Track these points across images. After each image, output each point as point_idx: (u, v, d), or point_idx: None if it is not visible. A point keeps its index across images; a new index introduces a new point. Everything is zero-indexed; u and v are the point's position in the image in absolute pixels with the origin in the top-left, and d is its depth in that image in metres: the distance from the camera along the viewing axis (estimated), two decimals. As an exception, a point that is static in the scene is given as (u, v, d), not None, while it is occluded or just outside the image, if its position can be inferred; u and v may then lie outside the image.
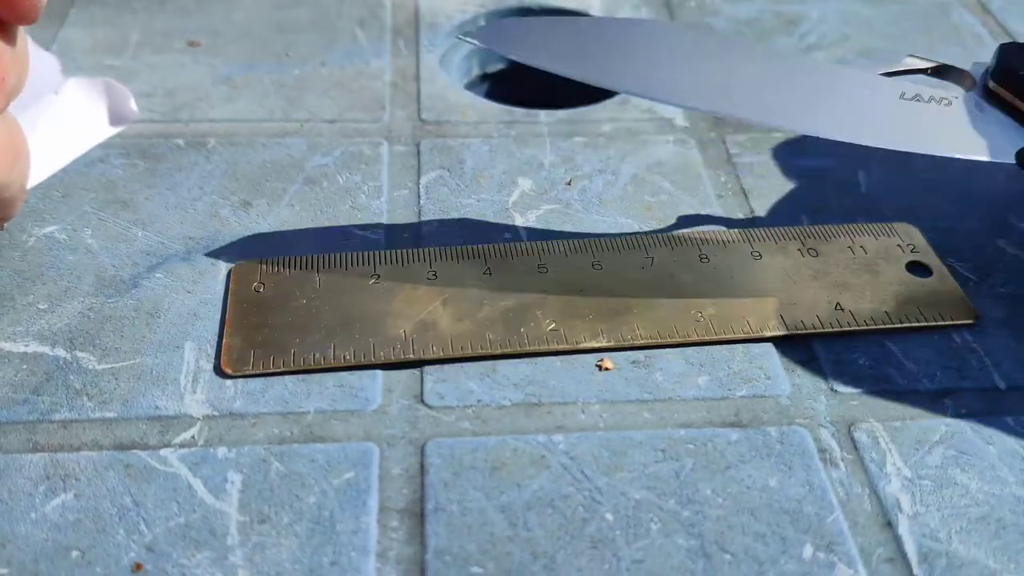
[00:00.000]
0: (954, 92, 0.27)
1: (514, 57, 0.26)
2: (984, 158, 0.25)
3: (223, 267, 0.27)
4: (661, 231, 0.29)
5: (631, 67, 0.26)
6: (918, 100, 0.26)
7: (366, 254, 0.27)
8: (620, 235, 0.29)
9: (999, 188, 0.31)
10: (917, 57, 0.28)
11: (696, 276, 0.27)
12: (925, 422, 0.24)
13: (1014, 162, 0.25)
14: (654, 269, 0.27)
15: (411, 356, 0.25)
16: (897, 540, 0.21)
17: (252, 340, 0.25)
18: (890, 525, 0.22)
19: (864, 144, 0.26)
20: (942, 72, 0.28)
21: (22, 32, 0.24)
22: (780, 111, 0.26)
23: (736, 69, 0.26)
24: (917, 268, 0.28)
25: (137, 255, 0.28)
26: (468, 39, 0.26)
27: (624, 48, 0.26)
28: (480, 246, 0.28)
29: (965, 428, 0.24)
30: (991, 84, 0.27)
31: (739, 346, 0.25)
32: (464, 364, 0.25)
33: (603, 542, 0.21)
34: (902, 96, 0.26)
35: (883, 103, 0.26)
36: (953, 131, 0.26)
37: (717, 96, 0.26)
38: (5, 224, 0.28)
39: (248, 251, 0.28)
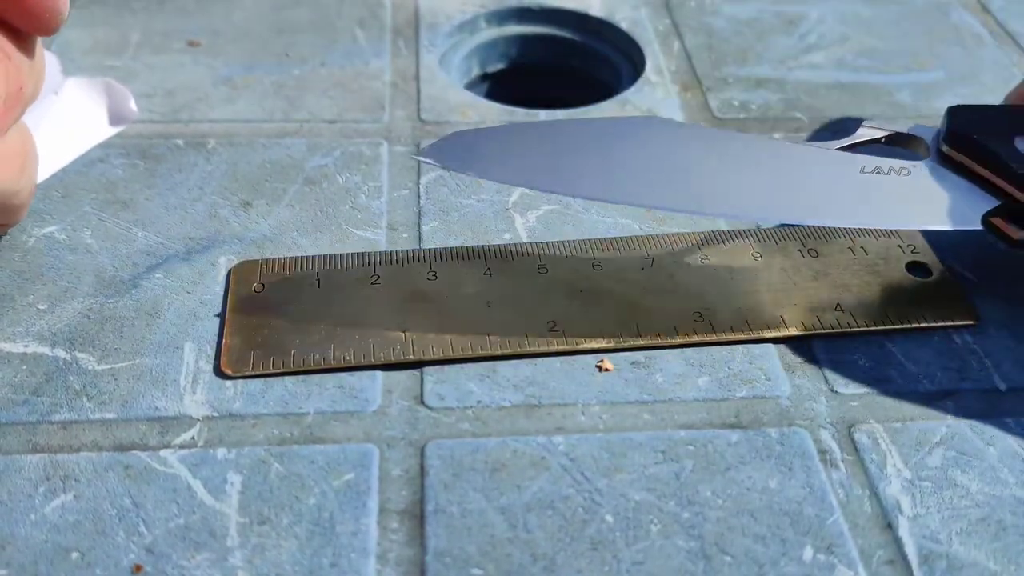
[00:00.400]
0: (912, 160, 0.27)
1: (472, 174, 0.26)
2: (951, 227, 0.25)
3: (223, 267, 0.27)
4: (661, 231, 0.29)
5: (587, 172, 0.25)
6: (878, 173, 0.26)
7: (366, 255, 0.27)
8: (620, 235, 0.29)
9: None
10: (870, 127, 0.28)
11: (696, 276, 0.27)
12: (925, 423, 0.24)
13: (980, 227, 0.25)
14: (654, 269, 0.27)
15: (411, 357, 0.25)
16: (897, 542, 0.21)
17: (252, 341, 0.25)
18: (890, 527, 0.22)
19: (833, 226, 0.26)
20: (896, 140, 0.28)
21: (39, 42, 0.24)
22: (744, 202, 0.25)
23: (696, 161, 0.26)
24: (917, 269, 0.28)
25: (137, 255, 0.28)
26: (424, 159, 0.26)
27: (576, 151, 0.26)
28: (480, 246, 0.28)
29: (965, 429, 0.24)
30: (944, 148, 0.27)
31: (739, 347, 0.25)
32: (464, 365, 0.25)
33: (603, 544, 0.21)
34: (863, 170, 0.26)
35: (845, 180, 0.26)
36: (917, 202, 0.26)
37: (679, 194, 0.25)
38: (9, 229, 0.28)
39: (248, 251, 0.28)
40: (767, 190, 0.26)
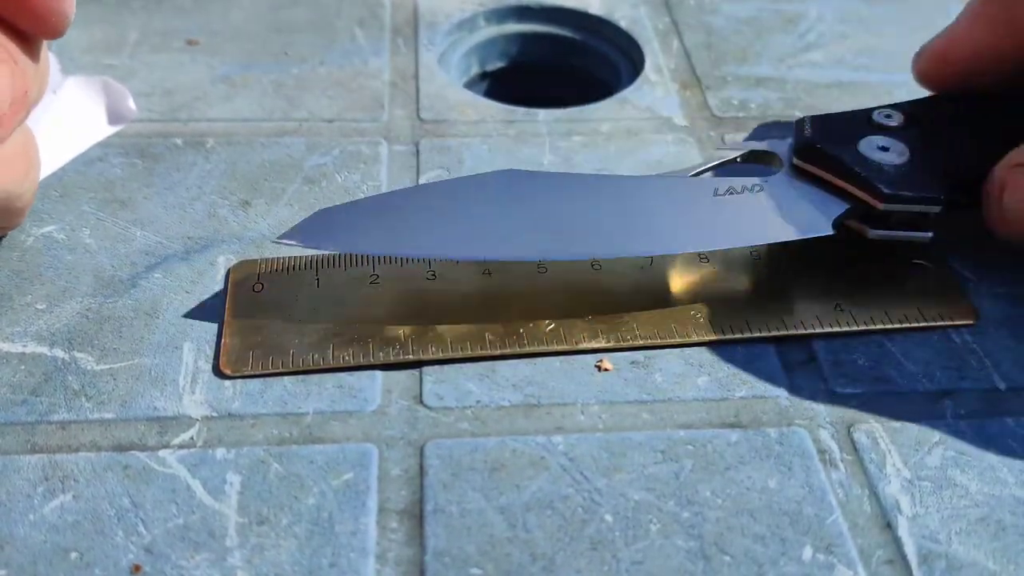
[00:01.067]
0: (765, 176, 0.28)
1: (333, 249, 0.27)
2: (803, 235, 0.26)
3: (222, 267, 0.27)
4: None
5: (439, 233, 0.26)
6: (731, 193, 0.27)
7: (365, 254, 0.27)
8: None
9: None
10: (726, 148, 0.29)
11: (695, 276, 0.27)
12: (925, 423, 0.24)
13: (832, 232, 0.26)
14: (653, 269, 0.27)
15: (410, 357, 0.25)
16: (897, 542, 0.21)
17: (251, 340, 0.25)
18: (890, 526, 0.22)
19: (689, 251, 0.27)
20: (752, 157, 0.29)
21: (45, 46, 0.24)
22: (595, 241, 0.26)
23: (553, 208, 0.27)
24: (917, 268, 0.28)
25: (136, 255, 0.27)
26: (285, 241, 0.26)
27: (430, 215, 0.26)
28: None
29: (965, 429, 0.24)
30: (795, 160, 0.28)
31: (738, 347, 0.25)
32: (463, 365, 0.25)
33: (602, 543, 0.21)
34: (715, 193, 0.27)
35: (698, 206, 0.27)
36: (769, 217, 0.27)
37: (537, 241, 0.26)
38: (8, 232, 0.28)
39: (247, 251, 0.28)
40: (626, 227, 0.26)
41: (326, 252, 0.27)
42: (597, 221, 0.26)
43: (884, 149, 0.27)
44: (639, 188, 0.27)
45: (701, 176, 0.28)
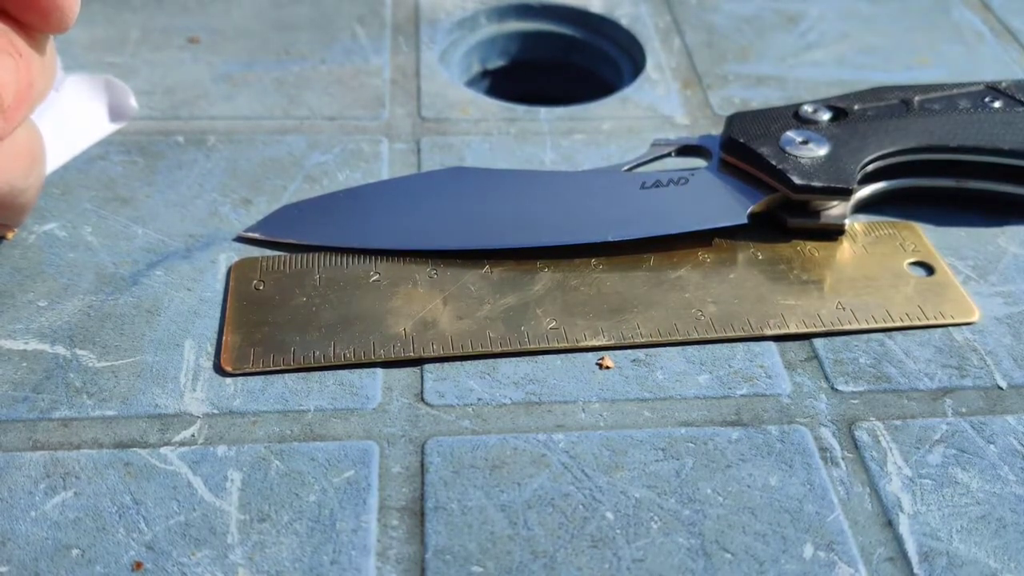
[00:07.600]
0: (692, 169, 0.29)
1: (294, 241, 0.28)
2: (720, 224, 0.28)
3: (223, 265, 0.27)
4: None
5: (392, 226, 0.28)
6: (657, 186, 0.28)
7: (366, 252, 0.27)
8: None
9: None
10: (660, 144, 0.30)
11: (697, 274, 0.27)
12: (926, 421, 0.24)
13: (747, 222, 0.28)
14: (654, 268, 0.27)
15: (411, 354, 0.25)
16: (898, 539, 0.21)
17: (252, 338, 0.25)
18: (891, 524, 0.22)
19: (612, 240, 0.27)
20: (685, 151, 0.30)
21: (51, 40, 0.24)
22: (532, 231, 0.28)
23: (494, 202, 0.29)
24: (918, 266, 0.28)
25: (137, 253, 0.28)
26: (250, 234, 0.28)
27: (384, 210, 0.28)
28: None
29: (966, 427, 0.24)
30: (723, 155, 0.29)
31: (740, 345, 0.25)
32: (464, 362, 0.25)
33: (603, 541, 0.21)
34: (642, 186, 0.29)
35: (625, 198, 0.28)
36: (689, 207, 0.28)
37: (481, 232, 0.28)
38: (13, 233, 0.28)
39: (248, 249, 0.28)
40: (559, 218, 0.28)
41: (290, 242, 0.28)
42: (534, 213, 0.28)
43: (805, 143, 0.28)
44: (573, 183, 0.29)
45: (634, 171, 0.30)
